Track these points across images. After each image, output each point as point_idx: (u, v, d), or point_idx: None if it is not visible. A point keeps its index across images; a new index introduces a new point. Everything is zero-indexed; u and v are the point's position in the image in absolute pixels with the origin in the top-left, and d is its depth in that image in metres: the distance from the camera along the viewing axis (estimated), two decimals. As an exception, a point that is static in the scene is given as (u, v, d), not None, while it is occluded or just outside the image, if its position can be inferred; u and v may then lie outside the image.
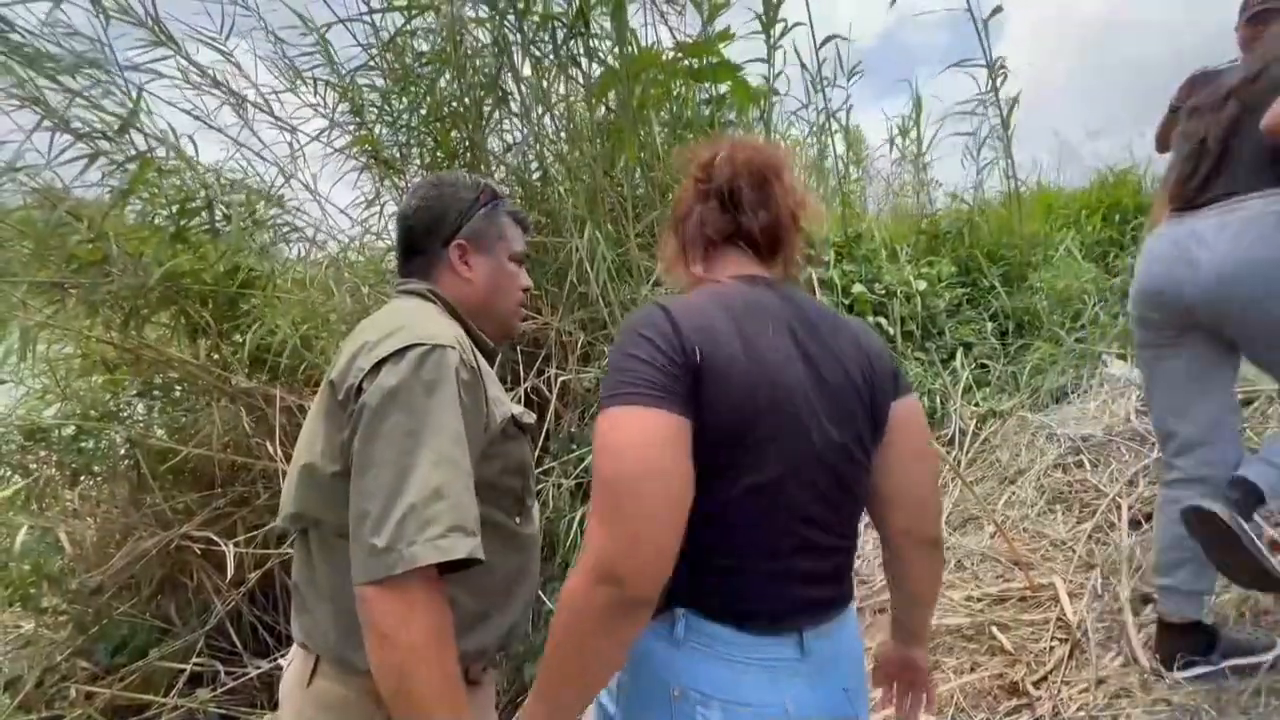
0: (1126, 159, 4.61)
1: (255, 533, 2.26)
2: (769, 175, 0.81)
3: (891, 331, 2.63)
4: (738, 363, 0.68)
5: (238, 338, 2.42)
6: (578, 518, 2.08)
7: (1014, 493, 2.37)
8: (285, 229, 2.95)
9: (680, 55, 2.75)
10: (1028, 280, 3.23)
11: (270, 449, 2.21)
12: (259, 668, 2.13)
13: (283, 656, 2.10)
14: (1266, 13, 2.56)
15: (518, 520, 0.89)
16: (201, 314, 2.37)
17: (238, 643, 2.26)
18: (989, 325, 2.92)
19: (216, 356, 2.45)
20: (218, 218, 2.48)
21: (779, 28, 2.99)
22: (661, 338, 0.68)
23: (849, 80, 3.60)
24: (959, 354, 2.72)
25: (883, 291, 2.69)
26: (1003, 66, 3.48)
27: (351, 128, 2.98)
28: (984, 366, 2.73)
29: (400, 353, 0.74)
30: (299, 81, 2.90)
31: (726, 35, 2.71)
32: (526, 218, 1.05)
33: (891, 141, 4.05)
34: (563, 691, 0.66)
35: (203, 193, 2.47)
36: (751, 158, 0.81)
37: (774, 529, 0.71)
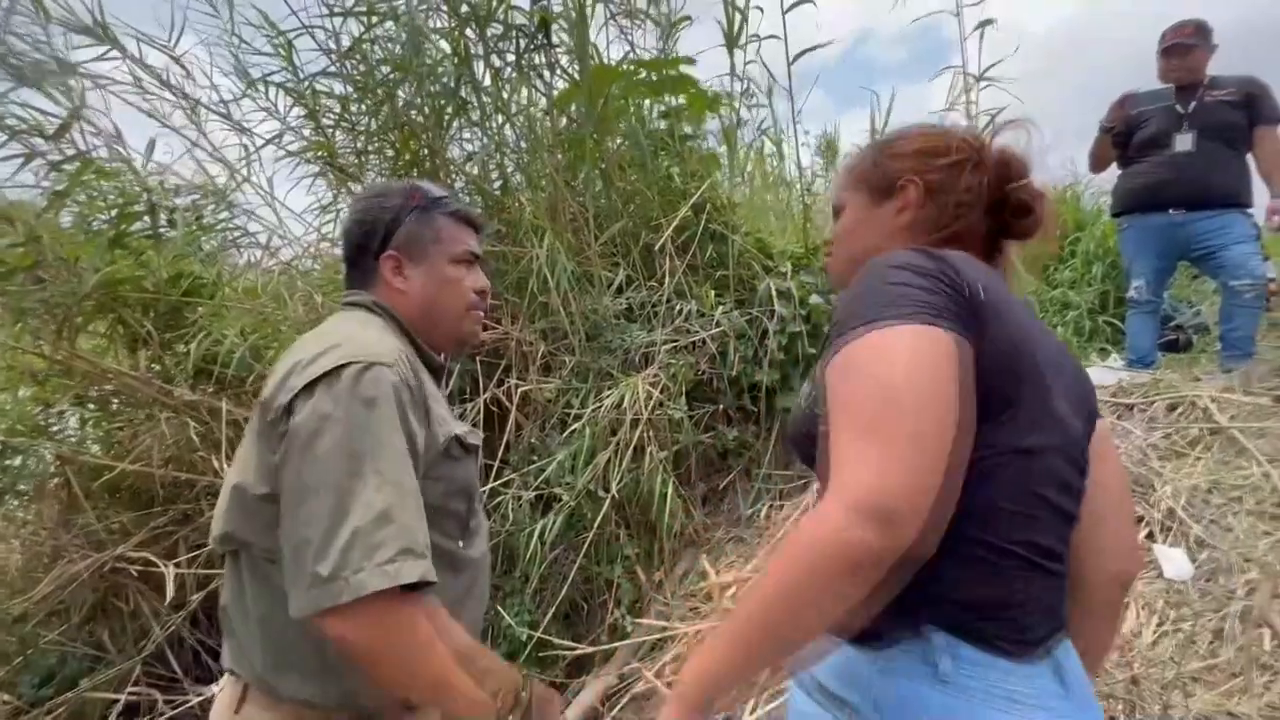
0: (1070, 175, 4.87)
1: (198, 552, 2.16)
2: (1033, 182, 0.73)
3: (847, 341, 2.70)
4: (1009, 305, 0.61)
5: (181, 348, 2.32)
6: (538, 530, 2.06)
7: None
8: (236, 234, 2.86)
9: (637, 69, 2.79)
10: (976, 292, 3.35)
11: (216, 464, 2.12)
12: (201, 695, 2.03)
13: (227, 682, 2.01)
14: (1176, 47, 2.77)
15: (461, 544, 0.86)
16: (142, 323, 2.27)
17: (178, 669, 2.15)
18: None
19: (158, 368, 2.34)
20: (161, 222, 2.38)
21: (748, 43, 3.06)
22: (930, 265, 0.59)
23: (810, 91, 3.67)
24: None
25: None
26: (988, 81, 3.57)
27: (307, 132, 2.92)
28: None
29: (335, 372, 0.71)
30: (252, 88, 2.83)
31: (682, 60, 2.75)
32: (474, 214, 0.99)
33: (834, 159, 4.18)
34: (762, 640, 0.53)
35: (145, 196, 2.37)
36: (1022, 160, 0.73)
37: (1039, 511, 0.59)
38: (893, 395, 0.52)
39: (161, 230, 2.35)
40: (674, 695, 0.57)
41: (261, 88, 2.81)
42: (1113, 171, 3.06)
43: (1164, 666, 1.44)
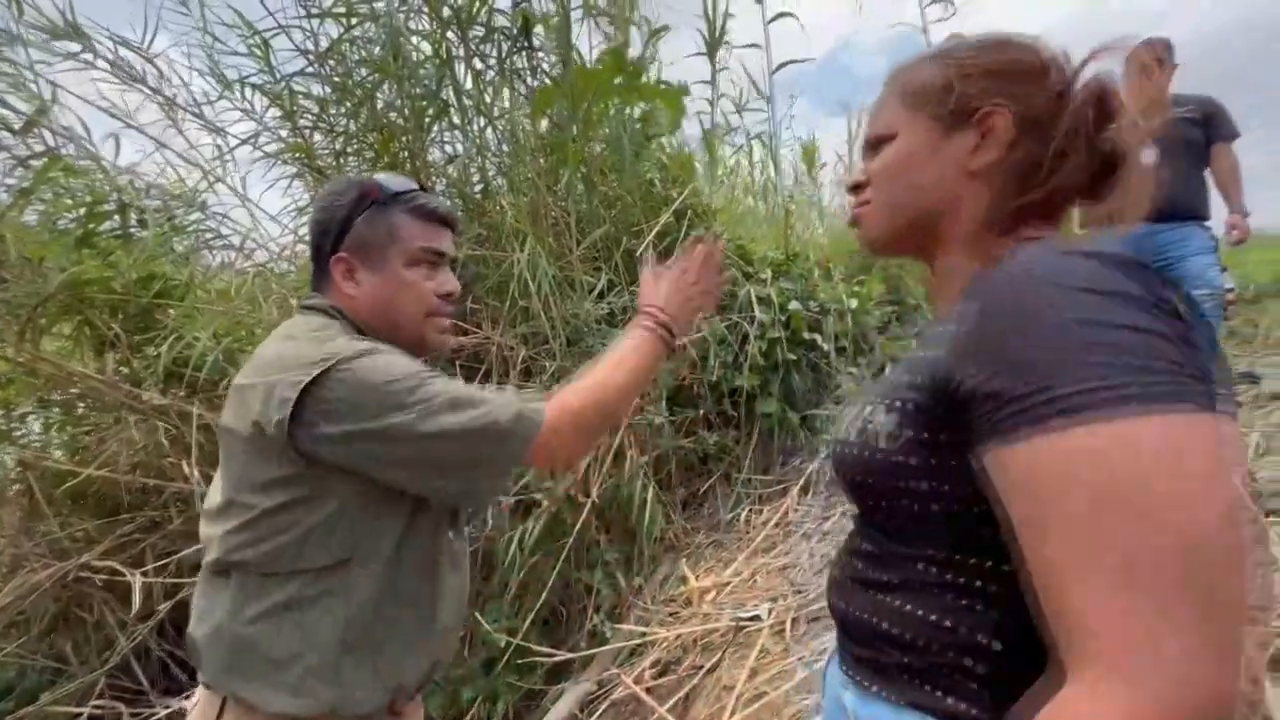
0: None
1: (167, 560, 2.11)
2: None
3: (826, 348, 2.74)
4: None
5: (151, 350, 2.27)
6: (517, 536, 2.05)
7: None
8: (209, 235, 2.80)
9: (610, 66, 2.80)
10: (950, 299, 3.43)
11: (186, 469, 2.08)
12: (168, 707, 1.97)
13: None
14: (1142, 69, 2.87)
15: (451, 535, 0.87)
16: (110, 325, 2.21)
17: (144, 681, 2.09)
18: (914, 342, 3.08)
19: (126, 371, 2.28)
20: (132, 222, 2.33)
21: (727, 49, 3.10)
22: (1167, 302, 0.39)
23: (793, 100, 3.75)
24: (887, 369, 2.86)
25: (817, 309, 2.80)
26: None
27: (284, 133, 2.88)
28: (911, 381, 2.88)
29: (324, 375, 0.71)
30: (228, 89, 2.78)
31: (640, 69, 2.77)
32: (443, 209, 0.89)
33: (811, 166, 4.25)
34: None
35: (115, 195, 2.32)
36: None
37: None
38: (1211, 549, 0.34)
39: (131, 230, 2.31)
40: None
41: (237, 88, 2.77)
42: None
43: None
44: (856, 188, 0.62)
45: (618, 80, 2.63)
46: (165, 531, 2.24)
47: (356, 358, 0.73)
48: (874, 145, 0.60)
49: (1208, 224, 2.81)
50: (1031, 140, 0.52)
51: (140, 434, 2.19)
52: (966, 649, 0.46)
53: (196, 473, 2.00)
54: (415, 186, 0.88)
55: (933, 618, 0.48)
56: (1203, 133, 2.77)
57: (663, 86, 2.80)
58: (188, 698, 2.00)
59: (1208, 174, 2.82)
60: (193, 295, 2.36)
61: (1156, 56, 2.79)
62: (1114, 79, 0.54)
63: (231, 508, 0.76)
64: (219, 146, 2.79)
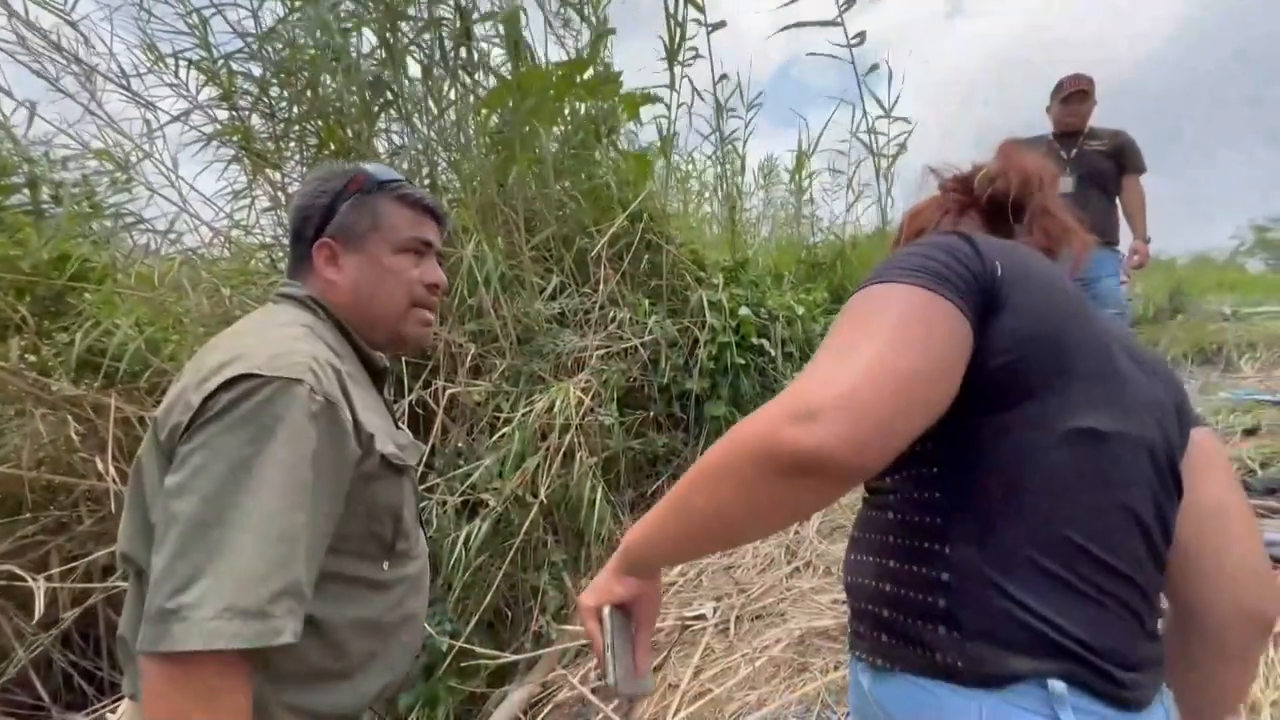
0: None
1: (74, 564, 1.95)
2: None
3: (774, 353, 2.82)
4: (1049, 278, 0.56)
5: (63, 337, 2.10)
6: (462, 536, 2.01)
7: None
8: (132, 217, 2.62)
9: (564, 72, 2.80)
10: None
11: (100, 466, 1.93)
12: (72, 722, 1.83)
13: (108, 709, 1.82)
14: (1076, 94, 3.11)
15: (386, 565, 0.79)
16: (16, 308, 2.03)
17: (44, 695, 1.93)
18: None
19: (33, 359, 2.10)
20: (44, 197, 2.15)
21: (685, 54, 3.15)
22: (953, 245, 0.56)
23: (748, 112, 3.84)
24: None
25: (766, 315, 2.88)
26: (899, 118, 3.86)
27: (221, 114, 2.72)
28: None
29: (231, 384, 0.63)
30: (159, 62, 2.61)
31: (589, 63, 2.79)
32: (429, 199, 0.87)
33: (763, 175, 4.39)
34: (678, 520, 0.53)
35: (25, 167, 2.13)
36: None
37: (1112, 509, 0.51)
38: (870, 325, 0.50)
39: (44, 206, 2.13)
40: (614, 555, 0.61)
41: (170, 63, 2.60)
42: None
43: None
44: None
45: (583, 77, 2.63)
46: (74, 533, 2.07)
47: (285, 386, 0.65)
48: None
49: (1117, 249, 3.07)
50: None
51: (47, 427, 2.02)
52: (923, 586, 0.53)
53: (113, 470, 1.86)
54: (402, 177, 0.87)
55: (890, 563, 0.57)
56: (1115, 164, 3.02)
57: (623, 92, 2.82)
58: (92, 713, 1.86)
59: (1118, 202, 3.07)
60: (112, 279, 2.20)
61: (1080, 89, 3.03)
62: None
63: (134, 509, 0.71)
64: (147, 121, 2.61)
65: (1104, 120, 3.08)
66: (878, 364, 0.47)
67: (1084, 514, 0.51)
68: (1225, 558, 0.58)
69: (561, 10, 2.94)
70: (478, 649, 1.93)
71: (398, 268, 0.84)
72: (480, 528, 2.03)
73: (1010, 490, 0.51)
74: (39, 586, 1.76)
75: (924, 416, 0.48)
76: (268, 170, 2.78)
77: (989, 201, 0.71)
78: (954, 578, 0.51)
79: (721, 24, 3.11)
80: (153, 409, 1.98)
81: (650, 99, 3.00)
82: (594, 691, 1.74)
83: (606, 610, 0.61)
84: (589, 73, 2.72)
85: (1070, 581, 0.49)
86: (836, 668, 1.90)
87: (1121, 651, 0.49)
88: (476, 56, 2.69)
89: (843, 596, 2.19)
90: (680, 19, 2.89)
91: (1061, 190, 3.05)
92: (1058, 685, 0.47)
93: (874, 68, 3.77)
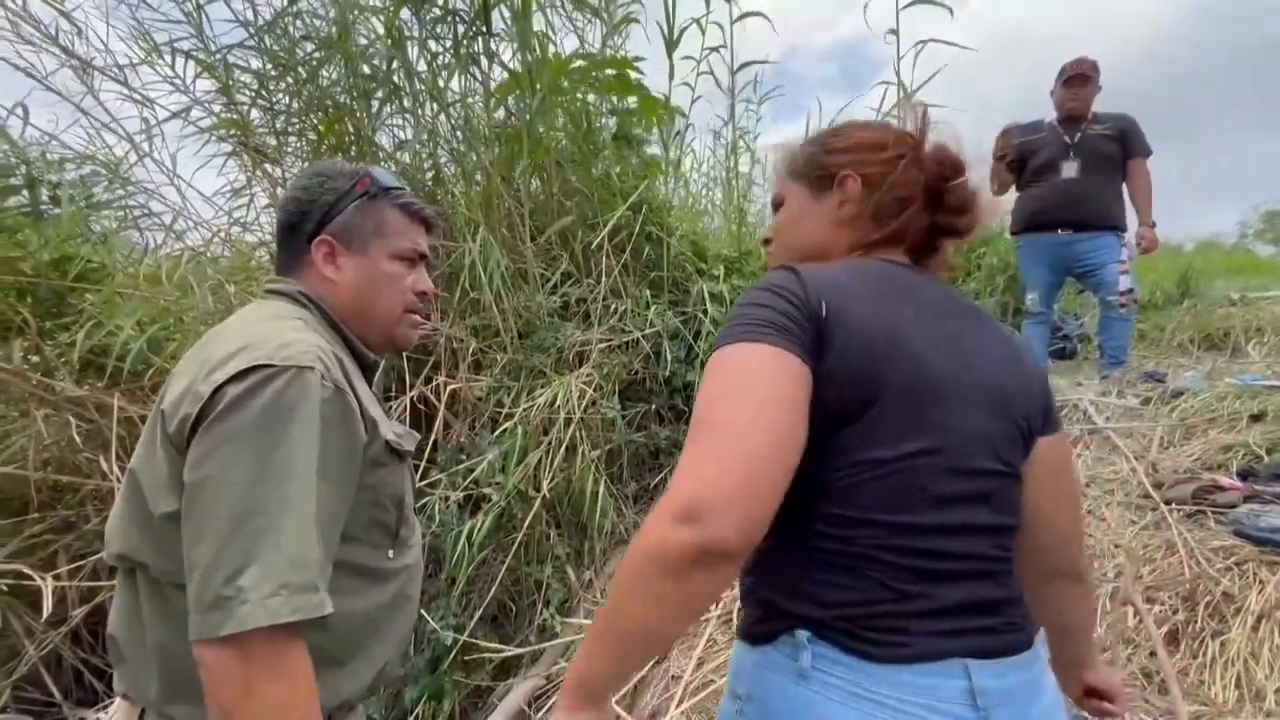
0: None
1: (82, 562, 1.97)
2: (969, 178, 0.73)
3: (775, 344, 2.81)
4: (867, 317, 0.61)
5: (65, 338, 2.11)
6: (465, 531, 2.02)
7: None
8: (135, 214, 2.62)
9: (589, 66, 2.78)
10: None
11: (105, 465, 1.94)
12: (83, 718, 1.85)
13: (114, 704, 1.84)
14: (1077, 78, 3.06)
15: (390, 554, 0.82)
16: (17, 310, 2.04)
17: (55, 691, 1.95)
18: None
19: (36, 359, 2.11)
20: (43, 198, 2.15)
21: (704, 48, 3.13)
22: (785, 288, 0.62)
23: (759, 104, 3.80)
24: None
25: (768, 306, 2.87)
26: (916, 100, 3.79)
27: (218, 108, 2.71)
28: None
29: (242, 376, 0.64)
30: (154, 53, 2.59)
31: (630, 64, 2.77)
32: (427, 211, 0.92)
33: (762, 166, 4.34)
34: (610, 642, 0.58)
35: (23, 168, 2.13)
36: (956, 157, 0.73)
37: (915, 522, 0.59)
38: (718, 404, 0.57)
39: (43, 207, 2.13)
40: (561, 693, 0.62)
41: (167, 56, 2.58)
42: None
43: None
44: (767, 241, 0.85)
45: (607, 73, 2.61)
46: (80, 532, 2.09)
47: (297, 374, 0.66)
48: (776, 206, 0.83)
49: (1123, 234, 3.03)
50: (874, 195, 0.72)
51: (51, 428, 2.03)
52: (743, 573, 0.70)
53: (117, 469, 1.87)
54: (404, 185, 0.90)
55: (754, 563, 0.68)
56: (1119, 148, 2.98)
57: (644, 92, 2.80)
58: (105, 709, 1.88)
59: (1124, 187, 3.03)
60: (113, 279, 2.20)
61: (1081, 72, 2.99)
62: (950, 147, 0.73)
63: (132, 505, 0.71)
64: (145, 120, 2.60)
65: (1113, 99, 3.04)
66: (740, 449, 0.54)
67: (882, 520, 0.59)
68: (1050, 534, 0.74)
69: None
70: (482, 643, 1.94)
71: (394, 274, 0.87)
72: (483, 522, 2.04)
73: (810, 496, 0.60)
74: (47, 585, 1.78)
75: (789, 474, 0.56)
76: (267, 166, 2.77)
77: (946, 226, 0.74)
78: (758, 565, 0.66)
79: (754, 13, 3.07)
80: (156, 408, 1.99)
81: (672, 110, 2.98)
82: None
83: None
84: (624, 71, 2.70)
85: (837, 562, 0.60)
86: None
87: (878, 615, 0.58)
88: (493, 46, 2.67)
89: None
90: (675, 13, 2.84)
91: (1066, 175, 3.01)
92: (801, 634, 0.59)
93: (924, 42, 3.58)
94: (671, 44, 2.98)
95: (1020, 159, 3.13)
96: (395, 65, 2.61)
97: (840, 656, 0.58)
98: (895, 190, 0.72)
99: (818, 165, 0.76)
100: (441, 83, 2.74)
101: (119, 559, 0.73)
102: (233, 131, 2.69)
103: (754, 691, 0.62)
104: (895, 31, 3.60)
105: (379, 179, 0.87)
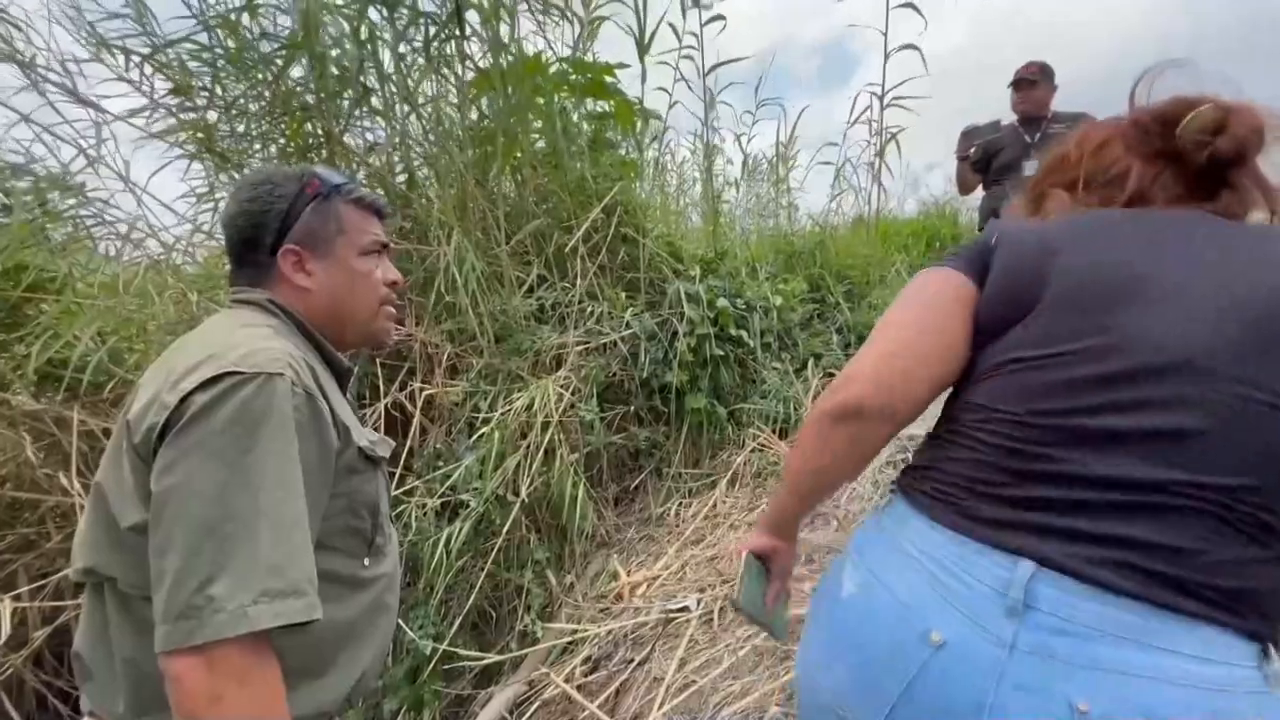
0: (952, 191, 5.37)
1: (43, 582, 1.91)
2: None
3: (752, 343, 2.83)
4: (1035, 239, 0.66)
5: (21, 350, 2.03)
6: (443, 538, 1.99)
7: (854, 489, 2.64)
8: (92, 223, 2.53)
9: (566, 69, 2.77)
10: (867, 298, 3.63)
11: (65, 482, 1.88)
12: (47, 743, 1.79)
13: (81, 726, 1.78)
14: (1021, 82, 3.15)
15: (366, 562, 0.81)
16: (-32, 322, 1.96)
17: (16, 718, 1.88)
18: (835, 338, 3.24)
19: (-10, 373, 2.03)
20: (-8, 206, 2.07)
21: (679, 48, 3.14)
22: (978, 245, 0.73)
23: (757, 108, 3.82)
24: (810, 364, 2.99)
25: (744, 306, 2.88)
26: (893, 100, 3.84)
27: (173, 105, 2.61)
28: (831, 375, 3.03)
29: (210, 383, 0.63)
30: (105, 48, 2.47)
31: (607, 69, 2.76)
32: (379, 201, 0.91)
33: (745, 165, 4.37)
34: (794, 482, 0.77)
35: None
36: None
37: (1019, 417, 0.60)
38: (895, 307, 0.72)
39: (-8, 215, 2.05)
40: (756, 526, 0.84)
41: (118, 55, 2.48)
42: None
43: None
44: None
45: (582, 76, 2.60)
46: (41, 550, 2.02)
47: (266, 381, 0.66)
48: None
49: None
50: (1091, 190, 0.75)
51: (7, 444, 1.96)
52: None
53: (78, 485, 1.82)
54: (349, 179, 0.88)
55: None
56: None
57: (620, 96, 2.80)
58: (73, 731, 1.82)
59: None
60: (71, 289, 2.13)
61: (1028, 76, 3.07)
62: (1157, 101, 0.71)
63: (98, 518, 0.70)
64: (95, 122, 2.48)
65: (1110, 81, 3.13)
66: (892, 334, 0.70)
67: (1008, 414, 0.62)
68: None
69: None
70: (461, 651, 1.92)
71: (365, 270, 0.87)
72: (461, 529, 2.02)
73: (961, 388, 0.70)
74: (6, 606, 1.72)
75: (935, 360, 0.68)
76: (230, 171, 2.70)
77: (1209, 160, 0.64)
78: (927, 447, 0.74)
79: (719, 17, 3.10)
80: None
81: (648, 113, 2.98)
82: (579, 689, 1.75)
83: (746, 554, 0.83)
84: (600, 76, 2.69)
85: (956, 441, 0.67)
86: (820, 654, 1.93)
87: (962, 488, 0.65)
88: (460, 50, 2.63)
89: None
90: (646, 15, 2.85)
91: (1027, 173, 3.09)
92: (896, 493, 0.73)
93: (908, 46, 3.64)
94: (643, 47, 2.99)
95: (986, 158, 3.21)
96: (366, 65, 2.57)
97: (904, 506, 0.69)
98: (1104, 177, 0.72)
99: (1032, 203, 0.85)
100: (412, 84, 2.70)
101: (85, 574, 0.71)
102: (198, 134, 2.61)
103: (855, 538, 0.75)
104: (884, 32, 3.69)
105: (327, 178, 0.86)
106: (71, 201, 2.36)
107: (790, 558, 0.85)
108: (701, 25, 3.14)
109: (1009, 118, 3.22)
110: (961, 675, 0.55)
